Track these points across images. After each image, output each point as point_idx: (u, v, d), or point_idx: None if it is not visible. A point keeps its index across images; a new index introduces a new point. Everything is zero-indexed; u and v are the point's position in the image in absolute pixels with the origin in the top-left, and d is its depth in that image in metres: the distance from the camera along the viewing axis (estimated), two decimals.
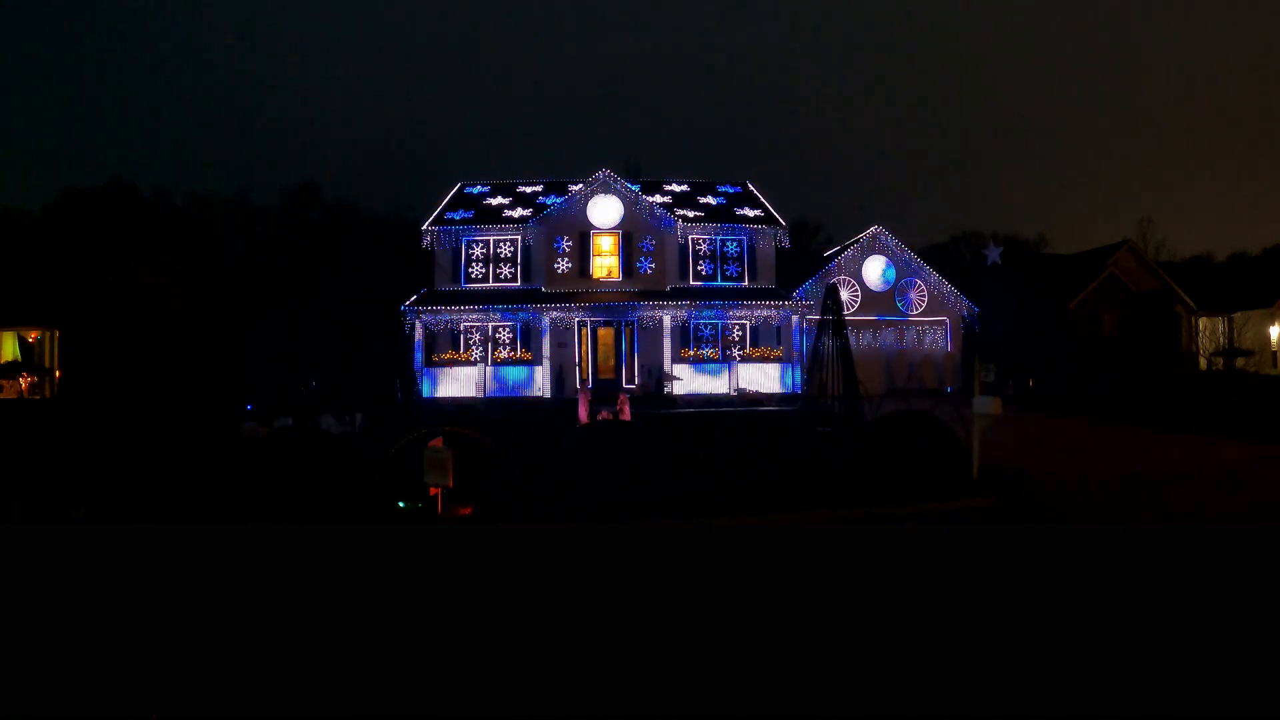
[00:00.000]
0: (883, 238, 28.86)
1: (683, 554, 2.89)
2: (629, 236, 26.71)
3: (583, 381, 24.79)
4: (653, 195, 28.93)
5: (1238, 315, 34.92)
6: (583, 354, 26.43)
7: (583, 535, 3.22)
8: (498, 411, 21.63)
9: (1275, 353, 33.86)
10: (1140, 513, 9.77)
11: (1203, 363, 33.03)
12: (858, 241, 29.40)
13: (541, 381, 24.80)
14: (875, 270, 28.56)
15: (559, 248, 26.52)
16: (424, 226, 27.38)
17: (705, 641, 2.53)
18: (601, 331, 26.63)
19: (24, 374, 25.11)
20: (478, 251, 27.25)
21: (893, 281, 28.59)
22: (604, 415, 18.01)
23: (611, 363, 26.60)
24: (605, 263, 26.78)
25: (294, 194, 52.23)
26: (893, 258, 28.78)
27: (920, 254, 30.55)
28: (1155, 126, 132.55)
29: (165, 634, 2.62)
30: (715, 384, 24.94)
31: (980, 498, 10.92)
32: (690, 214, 27.93)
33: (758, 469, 12.01)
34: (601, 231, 26.74)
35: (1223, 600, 2.51)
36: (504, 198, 29.41)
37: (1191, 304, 33.73)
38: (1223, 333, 34.81)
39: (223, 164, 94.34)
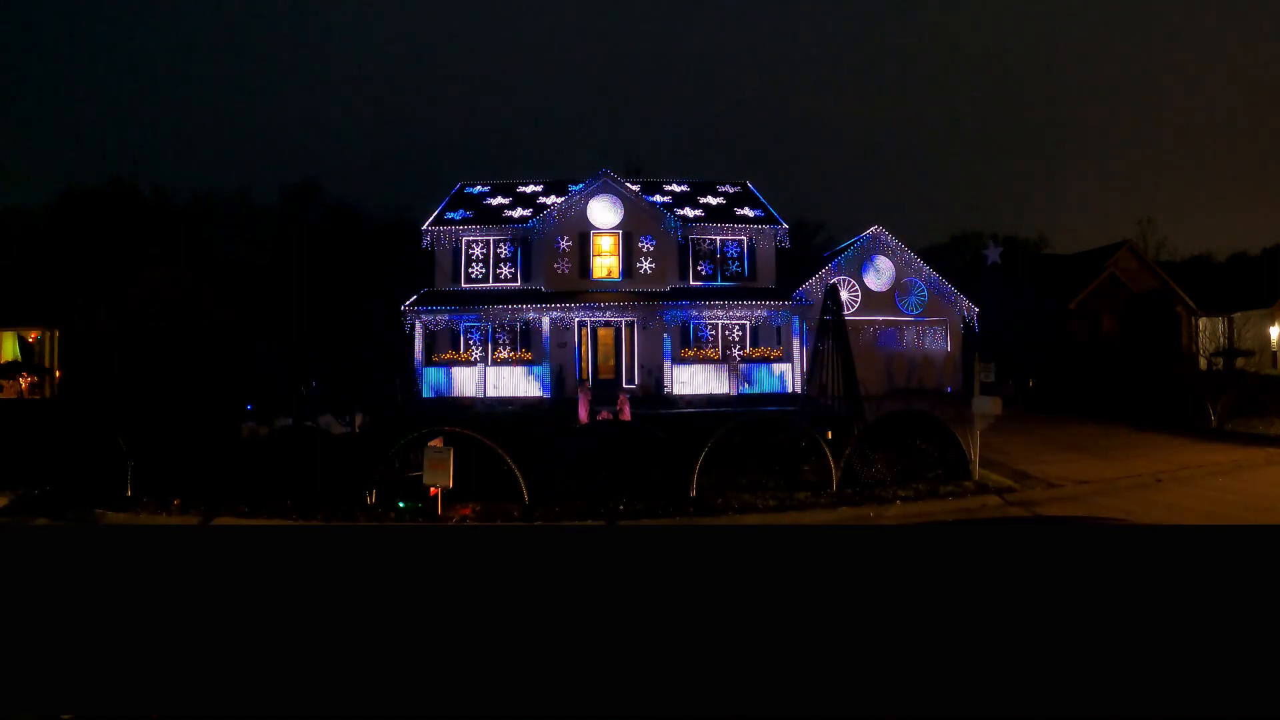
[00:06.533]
0: (883, 238, 28.84)
1: (683, 554, 2.89)
2: (629, 236, 26.71)
3: (582, 381, 24.75)
4: (653, 195, 28.93)
5: (1238, 315, 34.96)
6: (583, 354, 26.42)
7: (583, 535, 3.21)
8: (498, 411, 21.64)
9: (1275, 353, 33.88)
10: (1139, 514, 9.78)
11: (1203, 363, 33.04)
12: (858, 241, 29.39)
13: (541, 381, 24.79)
14: (875, 270, 28.54)
15: (559, 248, 26.51)
16: (424, 226, 27.37)
17: (705, 642, 2.54)
18: (601, 331, 26.62)
19: (24, 374, 25.10)
20: (478, 251, 27.25)
21: (893, 281, 28.55)
22: (604, 415, 18.02)
23: (611, 363, 26.58)
24: (605, 263, 26.78)
25: (294, 194, 52.24)
26: (893, 258, 28.75)
27: (920, 254, 30.49)
28: (1155, 126, 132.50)
29: (165, 634, 2.63)
30: (715, 384, 24.92)
31: (980, 497, 10.95)
32: (690, 214, 27.93)
33: (758, 469, 12.02)
34: (601, 231, 26.75)
35: (1221, 600, 2.51)
36: (504, 198, 29.42)
37: (1191, 304, 33.73)
38: (1223, 333, 34.85)
39: (223, 164, 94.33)
